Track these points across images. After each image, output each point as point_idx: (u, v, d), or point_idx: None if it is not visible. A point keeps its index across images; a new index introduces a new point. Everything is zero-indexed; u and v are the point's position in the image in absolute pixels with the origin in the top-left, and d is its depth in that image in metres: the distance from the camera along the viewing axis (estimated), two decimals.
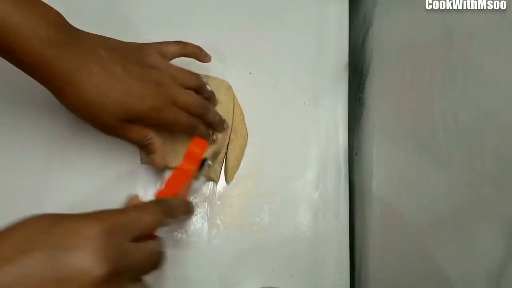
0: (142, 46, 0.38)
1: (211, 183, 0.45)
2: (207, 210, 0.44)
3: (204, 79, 0.42)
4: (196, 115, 0.39)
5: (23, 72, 0.45)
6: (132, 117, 0.35)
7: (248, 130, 0.46)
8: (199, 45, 0.42)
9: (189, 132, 0.40)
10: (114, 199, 0.43)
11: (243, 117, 0.46)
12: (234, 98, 0.46)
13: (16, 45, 0.29)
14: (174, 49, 0.39)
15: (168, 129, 0.39)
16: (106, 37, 0.37)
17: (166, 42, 0.40)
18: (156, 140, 0.38)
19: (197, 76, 0.40)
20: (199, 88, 0.40)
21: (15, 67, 0.46)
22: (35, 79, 0.33)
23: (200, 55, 0.42)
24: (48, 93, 0.46)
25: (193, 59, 0.44)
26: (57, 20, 0.32)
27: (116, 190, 0.44)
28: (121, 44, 0.37)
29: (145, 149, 0.39)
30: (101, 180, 0.44)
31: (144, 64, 0.36)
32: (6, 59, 0.31)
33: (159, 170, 0.41)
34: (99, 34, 0.50)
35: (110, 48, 0.35)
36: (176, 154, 0.43)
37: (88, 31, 0.49)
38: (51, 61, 0.31)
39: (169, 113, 0.36)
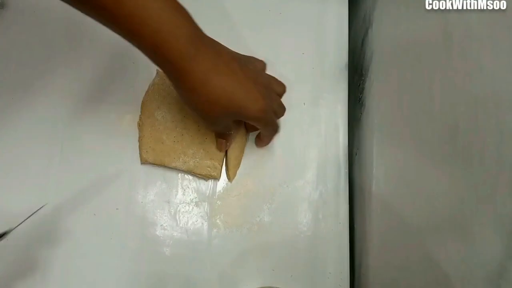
0: (247, 57, 0.42)
1: (211, 183, 0.45)
2: (207, 210, 0.44)
3: None
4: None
5: (23, 73, 0.45)
6: (243, 115, 0.36)
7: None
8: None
9: (271, 135, 0.43)
10: (114, 199, 0.44)
11: None
12: None
13: (163, 41, 0.31)
14: (262, 66, 0.44)
15: (259, 127, 0.41)
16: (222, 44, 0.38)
17: (255, 58, 0.44)
18: (233, 133, 0.43)
19: (284, 85, 0.42)
20: (282, 94, 0.42)
21: (15, 68, 0.46)
22: (167, 73, 0.34)
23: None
24: (49, 93, 0.46)
25: None
26: (193, 20, 0.33)
27: (116, 190, 0.44)
28: (233, 51, 0.39)
29: (221, 135, 0.43)
30: (101, 179, 0.44)
31: (255, 70, 0.39)
32: (146, 53, 0.33)
33: (221, 151, 0.44)
34: (98, 35, 0.50)
35: (230, 52, 0.37)
36: (176, 154, 0.43)
37: (87, 31, 0.49)
38: (190, 59, 0.32)
39: (269, 116, 0.38)
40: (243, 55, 0.41)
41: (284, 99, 0.47)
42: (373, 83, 0.47)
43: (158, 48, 0.31)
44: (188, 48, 0.32)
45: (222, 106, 0.35)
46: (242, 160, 0.46)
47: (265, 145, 0.45)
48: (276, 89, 0.41)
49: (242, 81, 0.35)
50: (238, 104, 0.35)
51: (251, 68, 0.38)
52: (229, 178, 0.45)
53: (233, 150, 0.45)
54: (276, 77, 0.48)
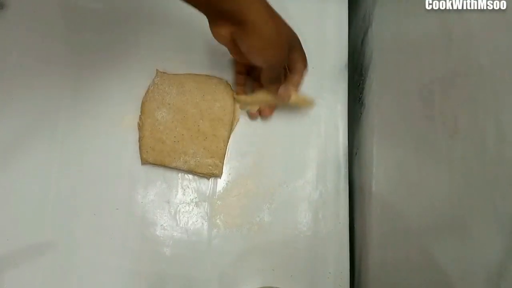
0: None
1: (211, 183, 0.45)
2: (207, 210, 0.44)
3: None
4: None
5: (23, 73, 0.45)
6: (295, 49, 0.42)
7: (248, 130, 0.46)
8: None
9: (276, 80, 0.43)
10: (114, 199, 0.44)
11: None
12: (232, 96, 0.46)
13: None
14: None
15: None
16: None
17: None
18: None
19: None
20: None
21: (14, 68, 0.46)
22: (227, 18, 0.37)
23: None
24: (48, 93, 0.46)
25: (193, 60, 0.44)
26: None
27: (116, 190, 0.44)
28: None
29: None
30: (101, 179, 0.44)
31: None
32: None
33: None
34: (98, 35, 0.50)
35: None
36: (176, 154, 0.43)
37: (87, 31, 0.49)
38: (246, 9, 0.36)
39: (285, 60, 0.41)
40: None
41: None
42: (373, 83, 0.47)
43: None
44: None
45: (275, 43, 0.38)
46: (242, 160, 0.45)
47: (270, 114, 0.46)
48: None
49: (281, 25, 0.39)
50: (286, 38, 0.39)
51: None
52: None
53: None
54: None
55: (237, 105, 0.46)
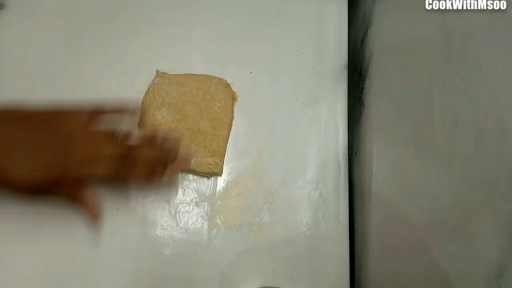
0: (52, 116, 0.37)
1: (211, 183, 0.45)
2: (207, 210, 0.44)
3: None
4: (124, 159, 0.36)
5: (23, 73, 0.45)
6: (47, 184, 0.35)
7: (248, 130, 0.46)
8: (119, 103, 0.39)
9: (123, 179, 0.38)
10: (114, 199, 0.44)
11: None
12: (232, 96, 0.46)
13: None
14: (85, 120, 0.37)
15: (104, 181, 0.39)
16: (18, 109, 0.36)
17: (78, 112, 0.37)
18: (84, 194, 0.38)
19: (110, 132, 0.38)
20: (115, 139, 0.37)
21: (14, 68, 0.46)
22: None
23: (123, 113, 0.40)
24: (49, 92, 0.46)
25: (193, 60, 0.44)
26: None
27: (116, 190, 0.44)
28: (32, 115, 0.36)
29: (75, 205, 0.39)
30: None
31: (52, 130, 0.35)
32: None
33: (93, 221, 0.41)
34: (98, 35, 0.50)
35: (18, 122, 0.35)
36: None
37: (87, 31, 0.49)
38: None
39: (84, 169, 0.35)
40: (53, 116, 0.36)
41: (284, 99, 0.48)
42: (373, 83, 0.47)
43: None
44: None
45: (11, 175, 0.33)
46: (242, 160, 0.45)
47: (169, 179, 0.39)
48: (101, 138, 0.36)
49: (26, 149, 0.34)
50: (28, 173, 0.33)
51: (53, 129, 0.35)
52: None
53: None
54: (276, 77, 0.48)
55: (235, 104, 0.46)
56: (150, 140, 0.38)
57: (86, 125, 0.37)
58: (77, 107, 0.38)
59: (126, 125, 0.39)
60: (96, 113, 0.38)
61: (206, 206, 0.44)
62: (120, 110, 0.39)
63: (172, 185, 0.43)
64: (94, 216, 0.40)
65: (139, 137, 0.38)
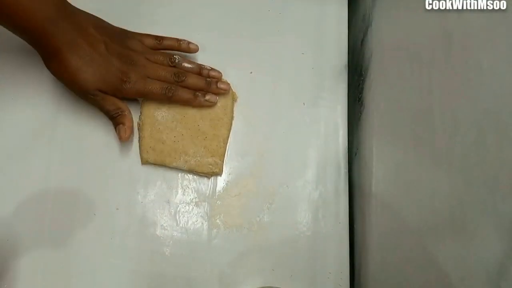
0: (127, 33, 0.44)
1: (211, 183, 0.45)
2: (207, 210, 0.44)
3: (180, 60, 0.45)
4: (173, 83, 0.43)
5: (23, 73, 0.45)
6: (108, 88, 0.40)
7: (248, 130, 0.46)
8: (178, 38, 0.46)
9: (167, 99, 0.43)
10: (114, 199, 0.44)
11: None
12: (232, 96, 0.46)
13: (25, 21, 0.36)
14: (152, 42, 0.45)
15: (146, 98, 0.44)
16: (98, 18, 0.43)
17: (147, 34, 0.45)
18: (128, 114, 0.43)
19: (169, 55, 0.44)
20: (172, 65, 0.44)
21: (14, 68, 0.46)
22: (33, 47, 0.39)
23: (180, 47, 0.46)
24: (49, 92, 0.46)
25: (193, 60, 0.44)
26: (58, 1, 0.38)
27: (116, 190, 0.44)
28: (108, 26, 0.43)
29: (114, 121, 0.43)
30: (101, 179, 0.44)
31: (124, 45, 0.42)
32: (11, 30, 0.37)
33: (123, 141, 0.43)
34: None
35: (99, 27, 0.41)
36: (177, 153, 0.43)
37: None
38: (50, 36, 0.37)
39: (140, 84, 0.41)
40: (126, 31, 0.44)
41: (284, 99, 0.48)
42: (373, 83, 0.47)
43: (23, 28, 0.36)
44: (46, 26, 0.36)
45: (82, 75, 0.38)
46: (242, 160, 0.46)
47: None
48: (157, 62, 0.43)
49: (102, 53, 0.39)
50: (98, 74, 0.39)
51: (125, 44, 0.42)
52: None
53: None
54: (276, 77, 0.48)
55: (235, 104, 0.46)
56: (197, 71, 0.45)
57: (150, 47, 0.44)
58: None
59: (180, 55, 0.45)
60: (160, 39, 0.45)
61: (206, 206, 0.44)
62: (179, 45, 0.45)
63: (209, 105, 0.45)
64: (127, 135, 0.42)
65: (189, 66, 0.44)
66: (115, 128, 0.43)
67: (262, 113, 0.47)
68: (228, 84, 0.45)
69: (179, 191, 0.44)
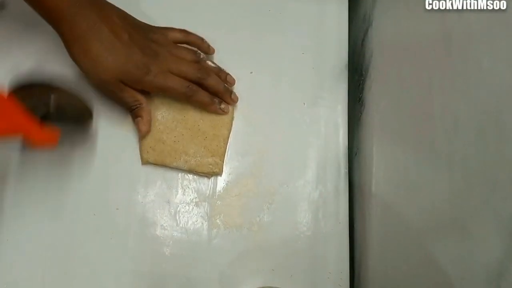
0: (151, 27, 0.44)
1: (211, 183, 0.45)
2: (207, 210, 0.44)
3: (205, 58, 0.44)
4: (194, 81, 0.42)
5: (23, 73, 0.45)
6: (127, 78, 0.39)
7: (248, 130, 0.46)
8: (203, 37, 0.46)
9: (186, 98, 0.42)
10: (114, 199, 0.44)
11: None
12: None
13: (51, 4, 0.36)
14: (178, 35, 0.44)
15: (165, 94, 0.43)
16: (122, 10, 0.42)
17: (172, 28, 0.45)
18: (146, 106, 0.42)
19: (193, 51, 0.44)
20: (196, 61, 0.43)
21: (14, 68, 0.46)
22: (56, 30, 0.38)
23: (202, 46, 0.46)
24: None
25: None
26: None
27: (116, 190, 0.44)
28: (133, 18, 0.43)
29: (132, 113, 0.42)
30: (101, 179, 0.44)
31: (148, 37, 0.41)
32: (38, 11, 0.37)
33: (142, 134, 0.43)
34: None
35: (123, 18, 0.41)
36: (177, 154, 0.43)
37: None
38: (73, 20, 0.37)
39: (162, 79, 0.40)
40: (150, 26, 0.44)
41: (284, 99, 0.48)
42: (373, 83, 0.47)
43: (47, 10, 0.36)
44: (70, 10, 0.36)
45: (102, 62, 0.38)
46: (242, 160, 0.46)
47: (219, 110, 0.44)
48: (180, 56, 0.42)
49: (125, 42, 0.38)
50: (119, 63, 0.38)
51: (148, 36, 0.41)
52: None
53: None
54: (276, 77, 0.48)
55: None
56: (217, 72, 0.44)
57: (174, 41, 0.44)
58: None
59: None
60: (187, 34, 0.45)
61: (206, 206, 0.44)
62: (202, 43, 0.46)
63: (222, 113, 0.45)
64: (146, 129, 0.42)
65: (212, 65, 0.44)
66: (133, 120, 0.43)
67: (262, 113, 0.47)
68: (237, 97, 0.46)
69: (179, 191, 0.44)
